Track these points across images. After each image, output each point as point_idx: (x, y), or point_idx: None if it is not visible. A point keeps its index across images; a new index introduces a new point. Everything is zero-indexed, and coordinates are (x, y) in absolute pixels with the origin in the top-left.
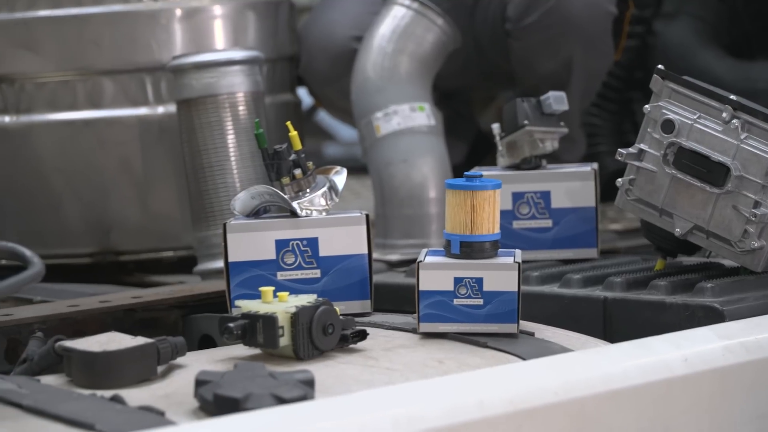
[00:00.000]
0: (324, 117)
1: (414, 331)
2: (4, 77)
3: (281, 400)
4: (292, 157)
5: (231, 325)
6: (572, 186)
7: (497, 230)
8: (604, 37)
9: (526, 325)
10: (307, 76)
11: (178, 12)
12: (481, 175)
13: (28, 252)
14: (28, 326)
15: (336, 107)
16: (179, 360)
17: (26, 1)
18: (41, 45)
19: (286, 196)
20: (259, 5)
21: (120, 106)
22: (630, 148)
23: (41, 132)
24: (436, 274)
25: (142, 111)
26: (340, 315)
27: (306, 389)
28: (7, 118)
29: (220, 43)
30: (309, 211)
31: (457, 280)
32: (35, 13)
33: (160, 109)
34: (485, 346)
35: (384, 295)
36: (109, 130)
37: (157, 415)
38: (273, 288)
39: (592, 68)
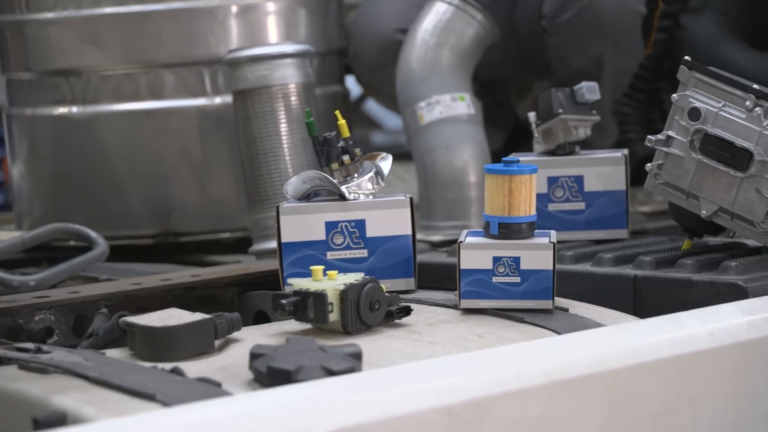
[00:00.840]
0: (371, 107)
1: (455, 307)
2: (72, 70)
3: (330, 372)
4: (341, 144)
5: (284, 301)
6: (604, 171)
7: (533, 212)
8: (633, 36)
9: (561, 302)
10: (355, 66)
11: (234, 8)
12: (518, 161)
13: (93, 234)
14: (94, 303)
15: (382, 94)
16: (235, 334)
17: None
18: (106, 40)
19: (335, 181)
20: (309, 2)
21: (180, 97)
22: (658, 135)
23: (106, 121)
24: (476, 254)
25: (201, 101)
26: (386, 292)
27: (354, 362)
28: (74, 109)
29: (273, 38)
30: (356, 195)
31: (496, 259)
32: (101, 10)
33: (218, 100)
34: (522, 321)
35: (427, 274)
36: (169, 119)
37: (214, 386)
38: (323, 267)
39: (622, 65)
